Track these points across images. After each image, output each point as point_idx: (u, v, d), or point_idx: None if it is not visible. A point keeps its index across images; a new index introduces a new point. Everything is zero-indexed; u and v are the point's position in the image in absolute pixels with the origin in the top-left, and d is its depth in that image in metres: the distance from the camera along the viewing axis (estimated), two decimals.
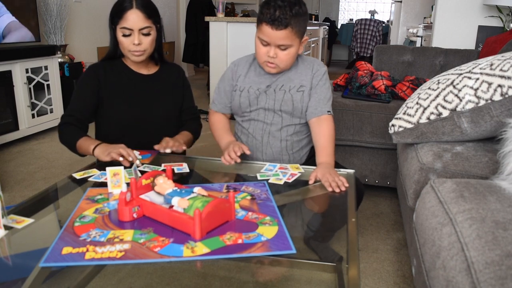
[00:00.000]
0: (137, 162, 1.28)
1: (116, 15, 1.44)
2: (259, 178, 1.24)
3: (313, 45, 5.41)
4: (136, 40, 1.43)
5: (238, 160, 1.31)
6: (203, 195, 0.95)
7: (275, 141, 1.47)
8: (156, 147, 1.40)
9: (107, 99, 1.52)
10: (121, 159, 1.27)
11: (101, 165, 1.28)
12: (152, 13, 1.46)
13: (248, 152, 1.33)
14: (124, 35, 1.44)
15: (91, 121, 1.54)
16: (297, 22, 1.32)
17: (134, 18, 1.42)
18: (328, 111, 1.43)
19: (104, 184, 1.14)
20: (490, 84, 1.26)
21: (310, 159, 1.51)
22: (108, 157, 1.28)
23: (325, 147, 1.37)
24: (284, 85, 1.44)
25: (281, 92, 1.43)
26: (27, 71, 3.06)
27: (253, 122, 1.48)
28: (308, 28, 1.47)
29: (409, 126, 1.46)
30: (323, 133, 1.39)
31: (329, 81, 1.50)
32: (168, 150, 1.39)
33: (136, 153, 1.39)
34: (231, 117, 1.59)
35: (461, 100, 1.32)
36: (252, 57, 1.51)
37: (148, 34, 1.46)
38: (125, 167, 1.22)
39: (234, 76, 1.50)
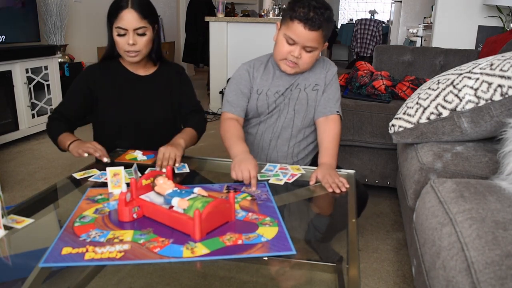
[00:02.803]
0: (105, 159, 1.32)
1: (112, 14, 1.43)
2: (259, 178, 1.23)
3: None
4: (130, 40, 1.42)
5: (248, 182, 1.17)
6: (203, 196, 0.95)
7: (283, 146, 1.46)
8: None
9: (103, 100, 1.52)
10: (85, 155, 1.32)
11: (101, 165, 1.29)
12: (148, 14, 1.44)
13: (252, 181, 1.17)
14: (119, 35, 1.43)
15: (78, 119, 1.54)
16: (327, 27, 1.30)
17: (129, 18, 1.40)
18: (337, 111, 1.43)
19: (104, 184, 1.14)
20: (490, 84, 1.26)
21: (312, 165, 1.50)
22: (76, 153, 1.33)
23: (328, 148, 1.36)
24: (299, 84, 1.43)
25: (297, 91, 1.43)
26: (27, 71, 3.06)
27: (263, 124, 1.47)
28: None
29: (409, 126, 1.46)
30: (328, 134, 1.39)
31: (338, 82, 1.49)
32: (164, 170, 1.24)
33: (139, 153, 1.39)
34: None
35: (461, 100, 1.32)
36: (266, 58, 1.48)
37: (143, 35, 1.44)
38: (110, 164, 1.27)
39: (250, 78, 1.45)
